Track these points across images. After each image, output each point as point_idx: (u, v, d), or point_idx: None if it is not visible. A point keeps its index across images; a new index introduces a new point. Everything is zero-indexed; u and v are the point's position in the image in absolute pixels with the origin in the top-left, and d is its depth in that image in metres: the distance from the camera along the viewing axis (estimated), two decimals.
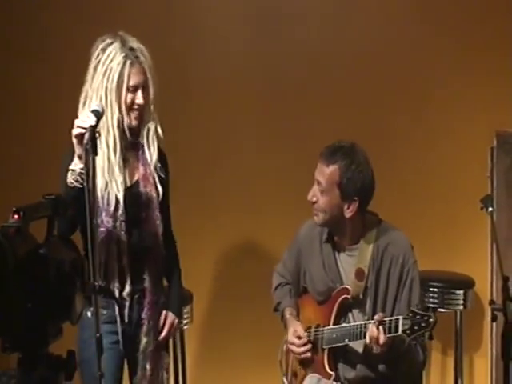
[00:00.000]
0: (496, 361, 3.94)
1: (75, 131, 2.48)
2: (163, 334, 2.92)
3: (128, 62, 2.72)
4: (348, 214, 2.87)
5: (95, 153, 2.36)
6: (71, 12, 4.27)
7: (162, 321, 2.92)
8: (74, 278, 1.62)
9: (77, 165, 2.54)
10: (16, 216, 1.57)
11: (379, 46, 4.26)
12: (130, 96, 2.75)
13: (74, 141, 2.50)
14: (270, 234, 4.23)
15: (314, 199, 2.90)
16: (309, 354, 2.96)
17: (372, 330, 2.69)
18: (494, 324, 3.67)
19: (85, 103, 2.75)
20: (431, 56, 4.21)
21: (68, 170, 2.59)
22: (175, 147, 4.18)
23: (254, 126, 4.32)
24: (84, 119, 2.47)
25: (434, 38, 4.20)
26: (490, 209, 3.11)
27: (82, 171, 2.43)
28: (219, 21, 4.32)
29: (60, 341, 1.70)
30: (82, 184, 2.46)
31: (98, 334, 2.26)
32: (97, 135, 2.40)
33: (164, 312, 2.93)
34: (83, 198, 2.26)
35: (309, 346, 2.96)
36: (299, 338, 2.98)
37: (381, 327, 2.68)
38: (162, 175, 2.89)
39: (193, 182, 4.32)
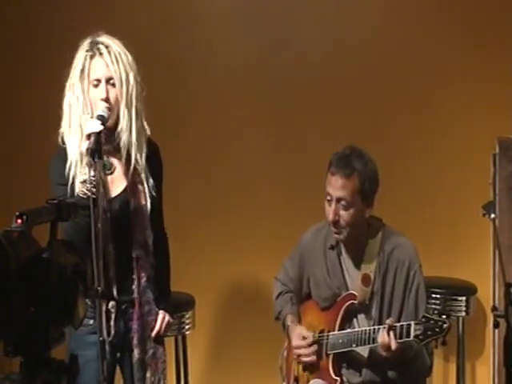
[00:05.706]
0: (498, 367, 3.93)
1: (84, 145, 2.51)
2: (156, 329, 2.79)
3: (88, 54, 2.62)
4: (367, 214, 2.86)
5: (100, 156, 2.39)
6: (68, 17, 4.27)
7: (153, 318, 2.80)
8: (76, 282, 1.61)
9: (87, 174, 2.50)
10: (19, 220, 1.57)
11: (380, 53, 4.27)
12: (93, 91, 2.63)
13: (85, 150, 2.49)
14: (273, 239, 4.22)
15: (337, 218, 2.83)
16: (315, 358, 2.94)
17: (383, 336, 2.68)
18: (497, 330, 3.65)
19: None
20: (433, 62, 4.21)
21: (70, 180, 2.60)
22: (176, 153, 4.22)
23: (254, 132, 4.33)
24: (90, 128, 2.50)
25: (436, 44, 4.21)
26: (493, 215, 3.11)
27: (93, 179, 2.41)
28: (219, 24, 4.32)
29: (62, 346, 1.70)
30: (94, 193, 2.44)
31: (100, 338, 2.26)
32: (102, 140, 2.43)
33: (155, 310, 2.80)
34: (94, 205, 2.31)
35: (315, 347, 2.93)
36: (304, 338, 2.95)
37: (391, 333, 2.67)
38: (154, 171, 2.78)
39: (195, 188, 4.33)
